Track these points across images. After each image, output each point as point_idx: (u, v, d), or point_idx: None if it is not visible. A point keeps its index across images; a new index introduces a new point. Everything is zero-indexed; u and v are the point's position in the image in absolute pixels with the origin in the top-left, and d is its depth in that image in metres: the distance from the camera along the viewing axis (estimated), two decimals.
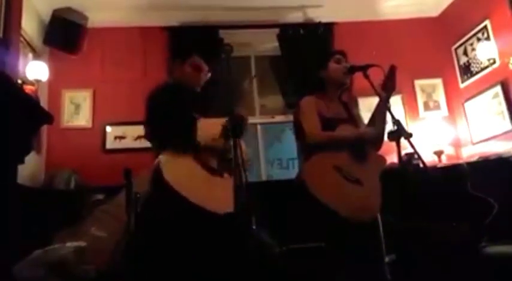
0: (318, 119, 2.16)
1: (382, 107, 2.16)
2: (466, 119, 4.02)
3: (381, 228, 2.04)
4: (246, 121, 2.10)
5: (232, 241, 1.72)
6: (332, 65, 2.27)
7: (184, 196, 1.76)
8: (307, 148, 2.23)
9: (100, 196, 3.15)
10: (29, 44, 3.54)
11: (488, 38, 3.68)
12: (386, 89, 2.15)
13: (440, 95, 4.30)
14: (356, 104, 3.73)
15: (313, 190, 2.00)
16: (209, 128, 1.94)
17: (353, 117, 2.28)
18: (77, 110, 3.91)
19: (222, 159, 1.95)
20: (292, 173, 4.85)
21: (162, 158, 1.87)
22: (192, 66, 2.21)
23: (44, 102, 3.69)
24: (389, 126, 2.02)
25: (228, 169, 1.90)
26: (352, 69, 2.21)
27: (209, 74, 2.24)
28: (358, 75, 2.16)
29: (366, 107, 2.75)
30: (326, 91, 2.29)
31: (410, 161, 3.30)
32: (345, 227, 1.94)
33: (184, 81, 2.20)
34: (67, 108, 3.90)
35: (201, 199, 1.77)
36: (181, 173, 1.85)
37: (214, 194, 1.82)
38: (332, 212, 1.93)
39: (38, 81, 3.43)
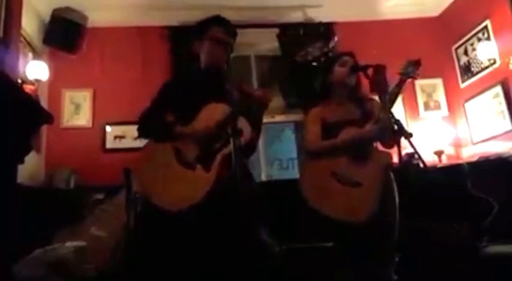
0: (319, 130, 2.20)
1: (383, 104, 2.15)
2: (466, 119, 4.01)
3: (395, 229, 2.05)
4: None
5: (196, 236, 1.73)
6: (337, 68, 2.26)
7: (148, 197, 1.83)
8: (307, 155, 2.29)
9: (100, 196, 3.15)
10: (28, 43, 3.53)
11: (488, 38, 3.68)
12: (378, 89, 2.12)
13: (440, 95, 4.29)
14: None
15: (306, 194, 2.06)
16: (212, 113, 1.86)
17: (367, 114, 2.21)
18: (77, 109, 3.91)
19: (206, 149, 1.84)
20: (291, 173, 4.86)
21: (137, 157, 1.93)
22: (210, 40, 1.98)
23: (43, 102, 3.68)
24: None
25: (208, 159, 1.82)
26: (354, 69, 2.21)
27: (231, 48, 2.04)
28: (359, 75, 2.16)
29: None
30: (333, 96, 2.29)
31: (410, 161, 3.30)
32: (343, 229, 1.95)
33: (208, 61, 2.01)
34: (67, 108, 3.89)
35: (159, 198, 1.79)
36: (146, 171, 1.89)
37: (173, 190, 1.78)
38: (325, 218, 1.98)
39: (37, 80, 3.43)
